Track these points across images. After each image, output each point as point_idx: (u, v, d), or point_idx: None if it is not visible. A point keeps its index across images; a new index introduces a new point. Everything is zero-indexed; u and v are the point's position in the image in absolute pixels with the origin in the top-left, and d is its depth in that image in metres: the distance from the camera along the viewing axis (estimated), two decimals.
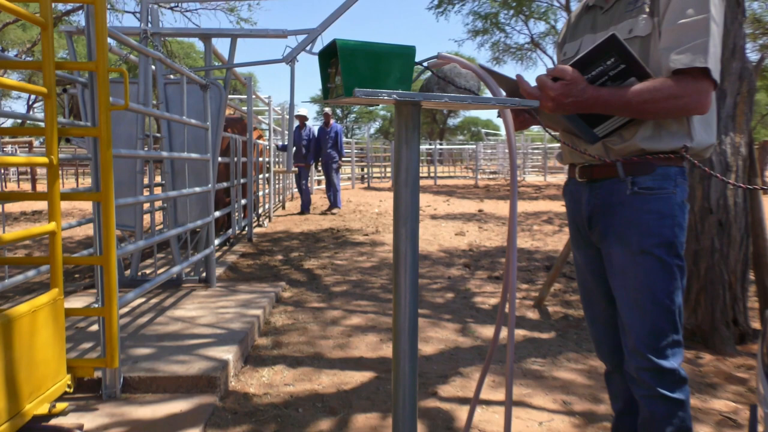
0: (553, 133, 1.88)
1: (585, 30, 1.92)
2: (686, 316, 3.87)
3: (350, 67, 1.18)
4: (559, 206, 13.50)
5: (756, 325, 3.99)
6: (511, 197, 1.32)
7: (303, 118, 11.95)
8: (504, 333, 3.80)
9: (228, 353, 3.33)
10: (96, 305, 4.18)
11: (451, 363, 3.60)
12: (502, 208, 13.13)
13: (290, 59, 4.98)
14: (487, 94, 1.34)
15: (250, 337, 3.85)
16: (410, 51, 1.22)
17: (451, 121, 56.08)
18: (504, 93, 1.48)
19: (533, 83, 1.63)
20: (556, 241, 8.33)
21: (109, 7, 12.06)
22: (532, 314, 4.65)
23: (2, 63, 3.13)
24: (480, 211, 12.49)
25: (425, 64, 1.32)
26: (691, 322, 3.85)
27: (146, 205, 5.71)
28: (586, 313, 2.13)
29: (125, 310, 4.28)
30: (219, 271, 5.84)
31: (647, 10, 1.70)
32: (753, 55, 21.02)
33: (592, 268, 2.00)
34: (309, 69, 73.93)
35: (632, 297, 1.78)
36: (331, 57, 1.38)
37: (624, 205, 1.77)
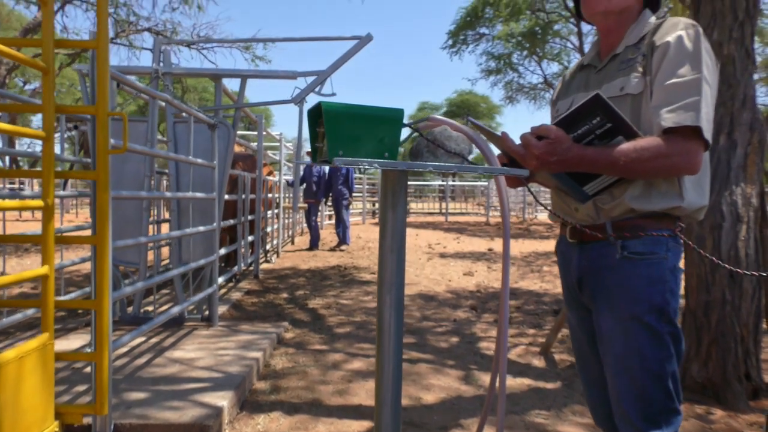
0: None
1: (578, 88, 1.91)
2: (697, 370, 3.76)
3: (335, 131, 1.15)
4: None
5: None
6: (503, 263, 1.27)
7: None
8: (508, 382, 3.70)
9: (223, 399, 3.26)
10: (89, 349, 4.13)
11: (453, 413, 3.50)
12: (512, 247, 13.02)
13: (299, 100, 4.99)
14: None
15: (248, 381, 3.77)
16: (397, 114, 1.18)
17: None
18: (496, 153, 1.45)
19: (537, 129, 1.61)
20: None
21: (127, 44, 12.29)
22: (538, 362, 4.54)
23: (2, 107, 3.15)
24: (490, 250, 12.39)
25: (415, 125, 1.28)
26: (702, 376, 3.73)
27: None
28: (580, 375, 2.06)
29: (123, 350, 4.22)
30: (222, 309, 5.79)
31: (640, 69, 1.69)
32: (766, 99, 21.02)
33: (585, 330, 1.95)
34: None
35: (621, 363, 1.72)
36: (319, 116, 1.35)
37: (613, 270, 1.72)
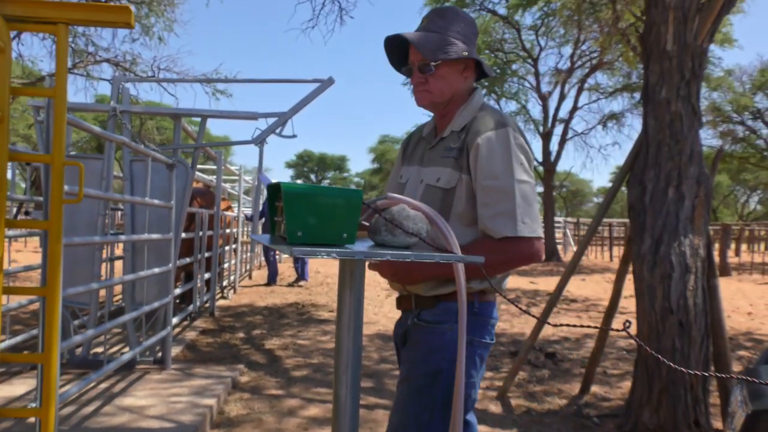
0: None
1: (417, 160, 1.99)
2: (648, 416, 3.83)
3: (294, 212, 1.15)
4: (527, 283, 13.55)
5: (718, 425, 3.95)
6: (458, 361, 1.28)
7: None
8: None
9: None
10: (34, 404, 3.98)
11: None
12: None
13: (259, 141, 4.99)
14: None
15: (201, 431, 3.68)
16: (356, 195, 1.20)
17: None
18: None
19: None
20: (523, 322, 8.29)
21: (85, 75, 12.10)
22: (495, 407, 4.56)
23: None
24: None
25: (373, 204, 1.30)
26: (653, 423, 3.80)
27: (103, 278, 5.56)
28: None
29: (71, 397, 4.07)
30: (176, 350, 5.66)
31: (455, 164, 1.78)
32: (714, 141, 21.90)
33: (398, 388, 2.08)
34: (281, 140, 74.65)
35: (394, 419, 1.83)
36: (278, 191, 1.36)
37: (409, 335, 1.88)
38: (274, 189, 1.34)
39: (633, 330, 4.94)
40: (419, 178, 1.90)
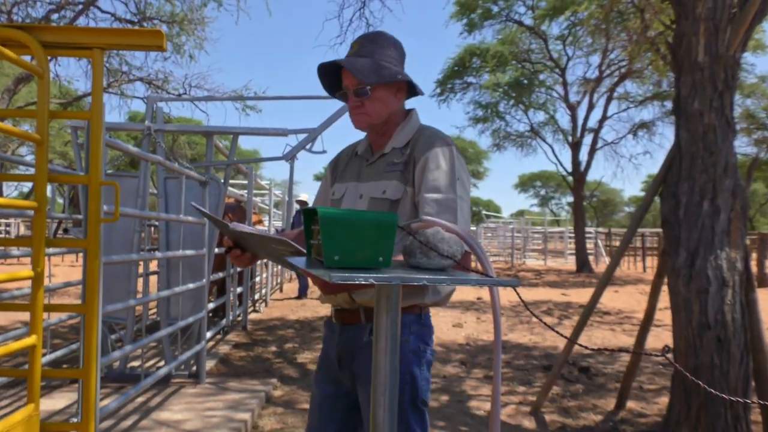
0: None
1: (353, 177, 2.03)
2: None
3: (330, 237, 1.17)
4: (559, 295, 13.40)
5: None
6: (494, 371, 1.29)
7: (303, 203, 12.06)
8: None
9: None
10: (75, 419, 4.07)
11: None
12: (501, 294, 13.00)
13: (290, 157, 5.05)
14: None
15: None
16: (392, 219, 1.21)
17: None
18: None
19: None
20: (555, 336, 8.20)
21: (119, 94, 12.38)
22: (529, 423, 4.51)
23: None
24: (479, 299, 12.38)
25: (408, 228, 1.31)
26: None
27: (139, 295, 5.66)
28: None
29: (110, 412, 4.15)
30: (210, 364, 5.72)
31: (401, 177, 1.86)
32: (749, 149, 21.45)
33: (323, 406, 2.03)
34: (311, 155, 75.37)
35: None
36: (314, 214, 1.38)
37: (363, 351, 1.87)
38: (311, 212, 1.36)
39: (667, 342, 4.85)
40: (358, 192, 1.97)
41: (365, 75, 1.84)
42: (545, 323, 1.27)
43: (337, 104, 5.16)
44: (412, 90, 2.02)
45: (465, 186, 1.85)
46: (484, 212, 39.00)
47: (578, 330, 4.56)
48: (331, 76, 1.97)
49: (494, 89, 21.40)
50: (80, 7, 10.43)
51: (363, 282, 1.05)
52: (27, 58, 2.50)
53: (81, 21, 10.47)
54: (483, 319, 9.68)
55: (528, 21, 19.86)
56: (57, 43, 2.46)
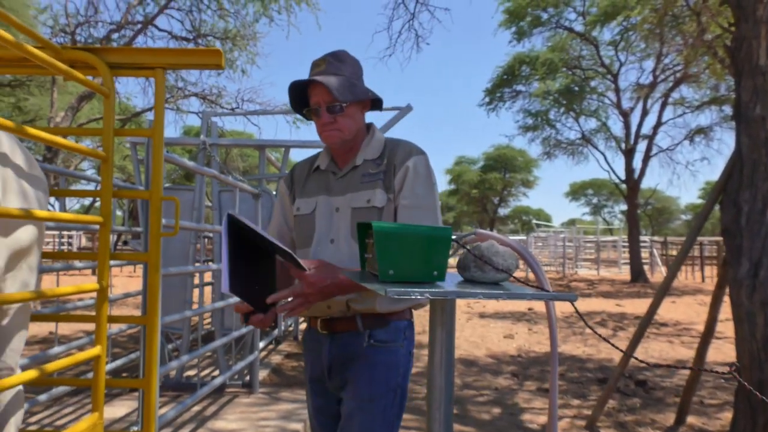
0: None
1: (320, 191, 2.04)
2: None
3: (385, 251, 1.19)
4: (613, 305, 13.09)
5: None
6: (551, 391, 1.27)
7: None
8: None
9: None
10: (136, 427, 4.18)
11: None
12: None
13: None
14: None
15: None
16: (446, 233, 1.22)
17: (502, 211, 56.12)
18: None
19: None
20: (610, 347, 8.01)
21: (175, 109, 12.79)
22: None
23: (60, 192, 3.34)
24: (530, 309, 12.21)
25: (462, 241, 1.31)
26: None
27: (195, 305, 5.80)
28: None
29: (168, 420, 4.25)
30: (263, 374, 5.80)
31: (383, 185, 1.92)
32: None
33: (321, 419, 2.06)
34: None
35: None
36: (368, 228, 1.40)
37: (360, 357, 1.91)
38: (365, 226, 1.38)
39: (729, 355, 4.68)
40: (331, 205, 1.99)
41: (341, 92, 1.89)
42: (604, 338, 1.25)
43: (387, 116, 5.19)
44: (373, 105, 2.09)
45: (437, 192, 1.97)
46: (534, 221, 38.43)
47: (635, 342, 4.45)
48: (294, 94, 2.01)
49: (544, 97, 21.18)
50: (139, 26, 10.81)
51: (419, 297, 1.06)
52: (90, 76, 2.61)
53: (139, 39, 10.87)
54: (534, 330, 9.54)
55: (578, 27, 19.59)
56: (122, 64, 2.56)
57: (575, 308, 1.25)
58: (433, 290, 1.07)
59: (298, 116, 13.86)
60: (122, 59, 2.60)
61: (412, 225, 1.22)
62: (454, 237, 1.28)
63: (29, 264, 2.44)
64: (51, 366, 2.25)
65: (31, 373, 2.14)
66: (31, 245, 2.40)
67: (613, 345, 1.32)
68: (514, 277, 1.25)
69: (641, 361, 1.33)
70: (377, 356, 1.91)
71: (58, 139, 2.26)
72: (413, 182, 1.90)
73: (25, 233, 2.32)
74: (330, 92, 1.88)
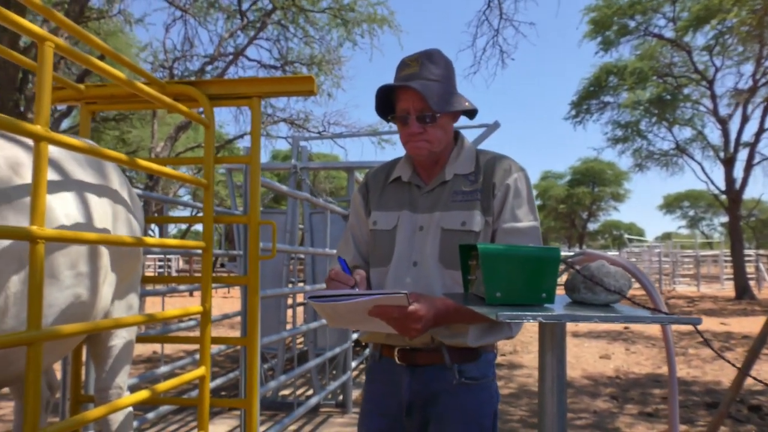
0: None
1: (403, 205, 1.84)
2: None
3: (492, 273, 1.16)
4: (717, 324, 12.35)
5: None
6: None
7: None
8: None
9: None
10: None
11: None
12: (650, 325, 12.22)
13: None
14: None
15: None
16: (555, 254, 1.18)
17: (591, 226, 54.38)
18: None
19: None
20: (717, 369, 7.54)
21: (264, 134, 13.26)
22: None
23: (165, 218, 3.51)
24: (626, 328, 11.70)
25: (570, 262, 1.27)
26: None
27: (288, 326, 5.92)
28: None
29: None
30: (356, 393, 5.83)
31: (480, 206, 1.74)
32: None
33: None
34: None
35: None
36: (471, 250, 1.38)
37: (450, 394, 1.72)
38: (468, 248, 1.36)
39: None
40: (415, 224, 1.80)
41: (437, 102, 1.69)
42: (728, 360, 1.17)
43: (472, 133, 5.16)
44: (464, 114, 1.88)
45: (537, 212, 1.80)
46: (626, 236, 36.91)
47: (748, 363, 4.16)
48: (379, 96, 1.79)
49: (634, 107, 20.43)
50: (230, 57, 11.31)
51: (531, 321, 1.03)
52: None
53: (231, 70, 11.39)
54: (632, 350, 9.12)
55: (669, 33, 18.83)
56: (220, 95, 2.69)
57: (699, 333, 1.18)
58: (546, 314, 1.04)
59: (384, 137, 14.08)
60: (221, 90, 2.72)
61: (519, 246, 1.19)
62: (562, 258, 1.24)
63: (133, 287, 2.58)
64: (161, 386, 2.35)
65: (144, 394, 2.24)
66: (134, 270, 2.54)
67: (741, 370, 1.23)
68: (628, 298, 1.19)
69: (765, 384, 1.23)
70: (468, 395, 1.72)
71: (166, 169, 2.38)
72: (513, 204, 1.73)
73: (129, 259, 2.46)
74: (424, 100, 1.68)
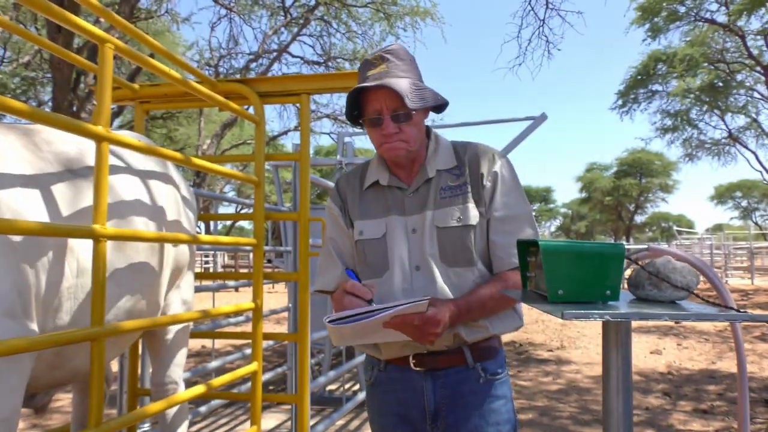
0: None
1: (388, 210, 1.76)
2: None
3: (554, 270, 1.14)
4: None
5: None
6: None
7: None
8: None
9: None
10: None
11: None
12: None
13: None
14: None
15: None
16: (619, 250, 1.15)
17: (638, 218, 53.17)
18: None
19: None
20: None
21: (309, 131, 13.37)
22: None
23: (217, 216, 3.57)
24: (677, 323, 11.41)
25: (635, 258, 1.23)
26: None
27: None
28: None
29: None
30: None
31: (472, 199, 1.71)
32: None
33: None
34: None
35: None
36: (529, 246, 1.36)
37: (477, 395, 1.69)
38: (526, 244, 1.34)
39: None
40: (407, 226, 1.73)
41: (412, 99, 1.62)
42: None
43: (518, 126, 5.08)
44: (435, 108, 1.81)
45: (525, 196, 1.79)
46: (675, 228, 35.95)
47: None
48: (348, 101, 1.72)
49: (684, 95, 19.89)
50: (274, 54, 11.42)
51: (598, 319, 1.00)
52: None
53: (275, 67, 11.50)
54: (684, 345, 8.89)
55: (721, 18, 18.24)
56: (270, 92, 2.71)
57: None
58: (613, 312, 1.01)
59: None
60: (271, 88, 2.75)
61: (582, 242, 1.16)
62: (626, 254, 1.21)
63: (188, 282, 2.63)
64: (215, 382, 2.39)
65: (200, 389, 2.29)
66: (189, 265, 2.58)
67: None
68: (695, 294, 1.15)
69: None
70: (494, 392, 1.70)
71: (220, 167, 2.41)
72: (504, 191, 1.71)
73: (184, 254, 2.50)
74: (398, 99, 1.61)
